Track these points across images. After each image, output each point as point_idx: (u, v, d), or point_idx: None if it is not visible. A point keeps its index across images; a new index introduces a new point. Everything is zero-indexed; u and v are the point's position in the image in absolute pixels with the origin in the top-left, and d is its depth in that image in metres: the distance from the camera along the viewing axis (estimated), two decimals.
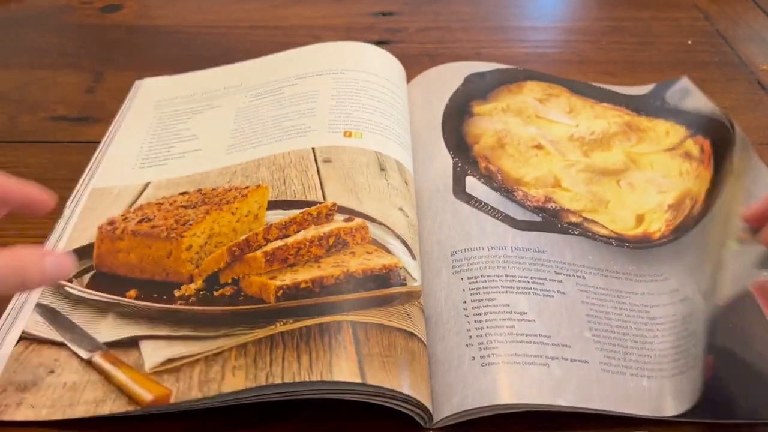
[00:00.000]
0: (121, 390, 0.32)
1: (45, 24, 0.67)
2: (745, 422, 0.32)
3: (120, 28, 0.67)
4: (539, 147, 0.47)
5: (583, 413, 0.32)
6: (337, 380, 0.30)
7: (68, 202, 0.44)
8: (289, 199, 0.42)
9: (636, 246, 0.40)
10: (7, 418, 0.32)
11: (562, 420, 0.33)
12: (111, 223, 0.41)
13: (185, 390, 0.32)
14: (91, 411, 0.32)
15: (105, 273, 0.39)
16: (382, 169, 0.43)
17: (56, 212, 0.42)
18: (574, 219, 0.41)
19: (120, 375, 0.33)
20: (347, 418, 0.32)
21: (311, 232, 0.38)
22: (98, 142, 0.49)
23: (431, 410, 0.32)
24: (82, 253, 0.40)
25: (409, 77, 0.55)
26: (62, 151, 0.50)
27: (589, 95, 0.53)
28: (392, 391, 0.31)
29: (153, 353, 0.33)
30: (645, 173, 0.45)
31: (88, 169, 0.46)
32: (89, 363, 0.34)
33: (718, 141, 0.46)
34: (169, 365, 0.33)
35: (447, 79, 0.53)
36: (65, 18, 0.68)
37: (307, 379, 0.31)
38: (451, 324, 0.35)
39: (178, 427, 0.32)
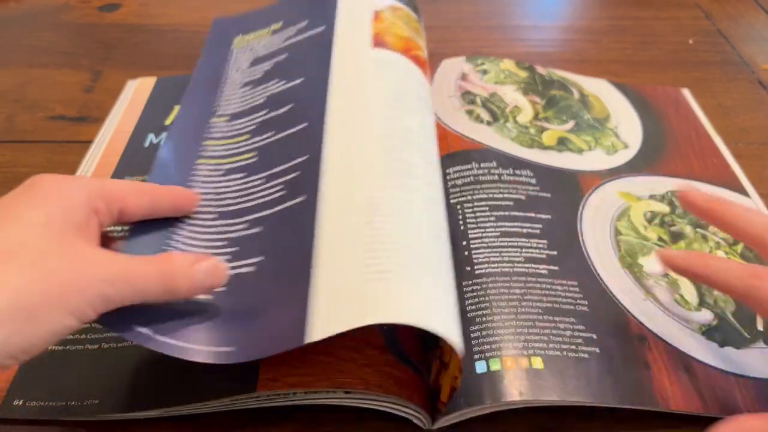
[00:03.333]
0: None
1: (43, 23, 0.67)
2: None
3: (119, 27, 0.66)
4: None
5: (583, 411, 0.32)
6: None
7: None
8: None
9: None
10: None
11: (562, 419, 0.33)
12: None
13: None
14: None
15: None
16: None
17: None
18: None
19: None
20: (347, 418, 0.32)
21: None
22: None
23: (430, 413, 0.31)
24: None
25: None
26: (61, 151, 0.49)
27: None
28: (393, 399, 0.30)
29: None
30: None
31: (80, 168, 0.46)
32: None
33: None
34: None
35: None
36: (64, 17, 0.68)
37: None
38: None
39: (176, 428, 0.32)
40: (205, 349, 0.29)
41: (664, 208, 0.43)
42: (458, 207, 0.41)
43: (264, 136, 0.41)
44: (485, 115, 0.49)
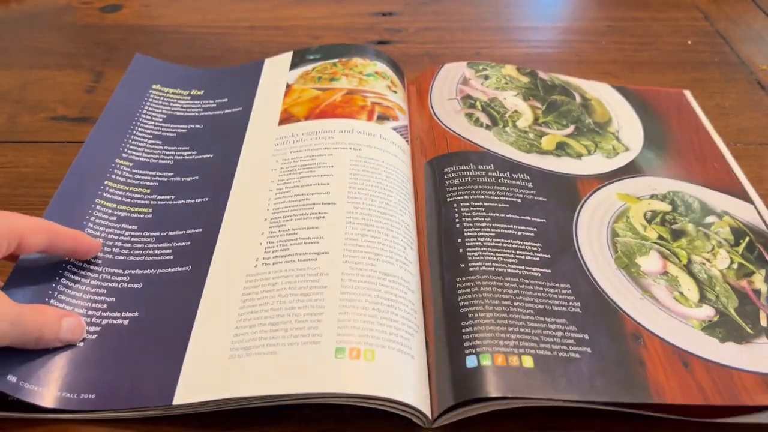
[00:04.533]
0: None
1: (45, 24, 0.67)
2: None
3: (120, 28, 0.67)
4: None
5: (582, 412, 0.32)
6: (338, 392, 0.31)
7: None
8: None
9: None
10: None
11: (561, 419, 0.33)
12: None
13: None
14: None
15: None
16: None
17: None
18: None
19: None
20: (346, 418, 0.32)
21: None
22: None
23: (429, 414, 0.32)
24: None
25: (409, 77, 0.55)
26: (62, 151, 0.50)
27: None
28: (393, 399, 0.31)
29: None
30: None
31: None
32: None
33: None
34: None
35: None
36: (65, 18, 0.68)
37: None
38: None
39: (176, 427, 0.32)
40: (62, 395, 0.32)
41: (665, 206, 0.43)
42: (455, 205, 0.41)
43: (164, 197, 0.43)
44: (484, 119, 0.49)
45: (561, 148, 0.47)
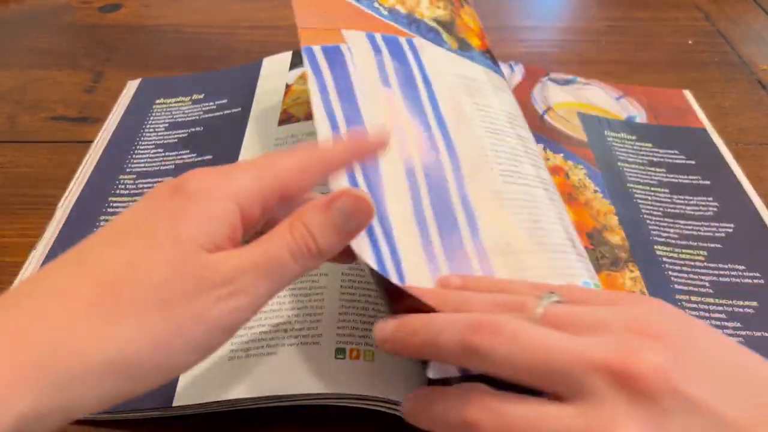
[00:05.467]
0: None
1: (44, 24, 0.67)
2: None
3: (119, 27, 0.67)
4: None
5: None
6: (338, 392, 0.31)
7: (60, 203, 0.43)
8: None
9: None
10: None
11: None
12: None
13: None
14: None
15: None
16: None
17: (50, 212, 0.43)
18: None
19: None
20: (347, 418, 0.32)
21: None
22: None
23: None
24: None
25: None
26: (61, 151, 0.50)
27: None
28: (393, 400, 0.31)
29: None
30: None
31: (80, 169, 0.47)
32: None
33: None
34: None
35: None
36: (64, 18, 0.68)
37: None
38: None
39: (176, 428, 0.32)
40: None
41: None
42: None
43: None
44: None
45: None
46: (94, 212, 0.43)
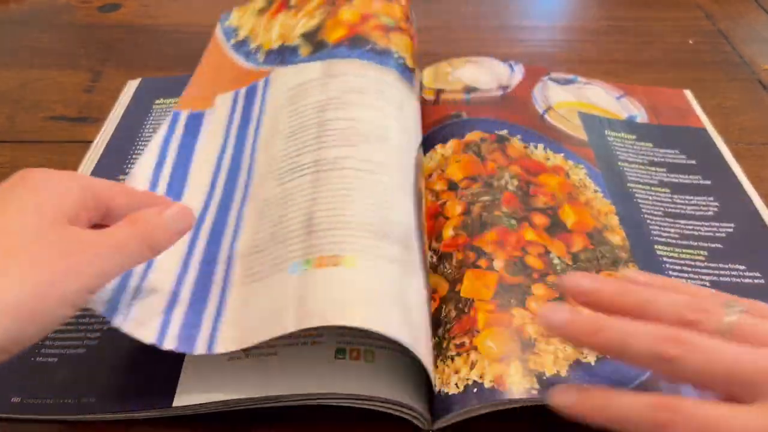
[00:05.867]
0: None
1: (44, 23, 0.67)
2: None
3: (119, 27, 0.67)
4: None
5: None
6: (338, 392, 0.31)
7: None
8: None
9: None
10: None
11: (563, 418, 0.33)
12: None
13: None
14: None
15: None
16: None
17: None
18: None
19: None
20: (346, 418, 0.32)
21: None
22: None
23: (430, 416, 0.31)
24: None
25: None
26: (61, 151, 0.50)
27: None
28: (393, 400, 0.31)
29: None
30: None
31: (80, 169, 0.46)
32: None
33: None
34: None
35: None
36: (64, 17, 0.68)
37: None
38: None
39: (175, 428, 0.32)
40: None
41: None
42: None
43: None
44: None
45: None
46: None
